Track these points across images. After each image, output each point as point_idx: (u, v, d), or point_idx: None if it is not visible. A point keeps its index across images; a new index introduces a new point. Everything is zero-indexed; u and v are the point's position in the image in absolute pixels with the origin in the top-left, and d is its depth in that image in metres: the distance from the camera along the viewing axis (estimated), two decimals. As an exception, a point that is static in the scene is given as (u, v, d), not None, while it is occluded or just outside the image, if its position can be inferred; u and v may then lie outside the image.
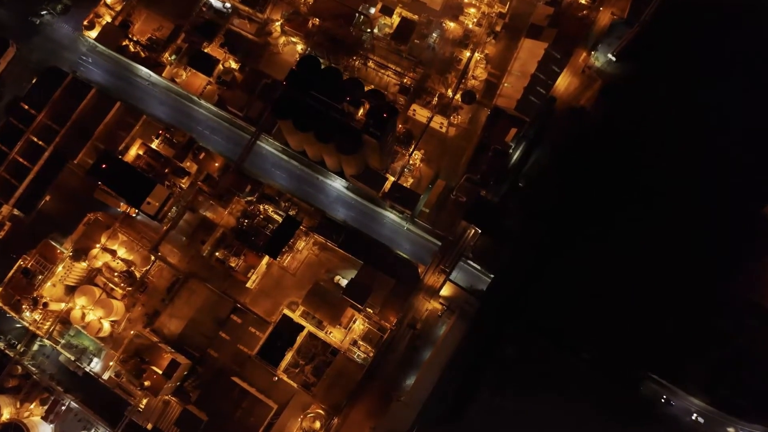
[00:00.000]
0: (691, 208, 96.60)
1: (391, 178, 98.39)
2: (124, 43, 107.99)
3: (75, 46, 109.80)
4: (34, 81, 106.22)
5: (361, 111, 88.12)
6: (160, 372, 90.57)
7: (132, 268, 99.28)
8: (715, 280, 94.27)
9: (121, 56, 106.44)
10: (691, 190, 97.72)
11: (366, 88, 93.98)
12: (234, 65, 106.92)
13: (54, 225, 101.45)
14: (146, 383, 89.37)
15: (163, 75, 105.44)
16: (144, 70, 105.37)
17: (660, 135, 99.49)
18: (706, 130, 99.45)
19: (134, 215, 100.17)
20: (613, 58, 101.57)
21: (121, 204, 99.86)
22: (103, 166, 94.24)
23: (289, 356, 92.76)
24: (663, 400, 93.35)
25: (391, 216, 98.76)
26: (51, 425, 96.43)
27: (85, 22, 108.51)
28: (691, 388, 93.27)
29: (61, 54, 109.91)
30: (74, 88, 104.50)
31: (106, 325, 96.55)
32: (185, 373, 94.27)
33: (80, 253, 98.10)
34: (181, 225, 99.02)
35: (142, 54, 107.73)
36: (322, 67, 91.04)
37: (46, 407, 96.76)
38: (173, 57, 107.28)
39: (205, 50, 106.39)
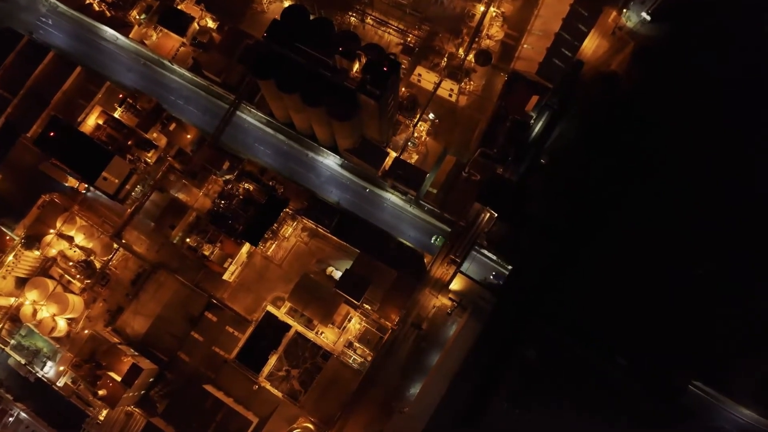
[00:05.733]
0: (746, 190, 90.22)
1: (393, 154, 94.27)
2: (87, 2, 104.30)
3: (34, 6, 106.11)
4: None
5: (356, 66, 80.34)
6: (119, 379, 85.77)
7: (91, 258, 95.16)
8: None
9: (84, 16, 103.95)
10: (747, 167, 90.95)
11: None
12: (211, 24, 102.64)
13: (4, 208, 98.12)
14: (101, 392, 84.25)
15: (130, 36, 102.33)
16: (110, 32, 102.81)
17: (701, 103, 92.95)
18: (753, 95, 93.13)
19: (84, 191, 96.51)
20: (648, 18, 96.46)
21: (69, 178, 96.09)
22: (51, 134, 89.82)
23: (273, 360, 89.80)
24: (707, 411, 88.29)
25: (393, 198, 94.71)
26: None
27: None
28: (740, 397, 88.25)
29: (18, 15, 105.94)
30: (30, 52, 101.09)
31: (62, 324, 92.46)
32: (151, 380, 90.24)
33: (33, 239, 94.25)
34: (148, 207, 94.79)
35: (108, 14, 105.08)
36: (311, 18, 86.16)
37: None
38: (142, 16, 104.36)
39: (179, 7, 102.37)
